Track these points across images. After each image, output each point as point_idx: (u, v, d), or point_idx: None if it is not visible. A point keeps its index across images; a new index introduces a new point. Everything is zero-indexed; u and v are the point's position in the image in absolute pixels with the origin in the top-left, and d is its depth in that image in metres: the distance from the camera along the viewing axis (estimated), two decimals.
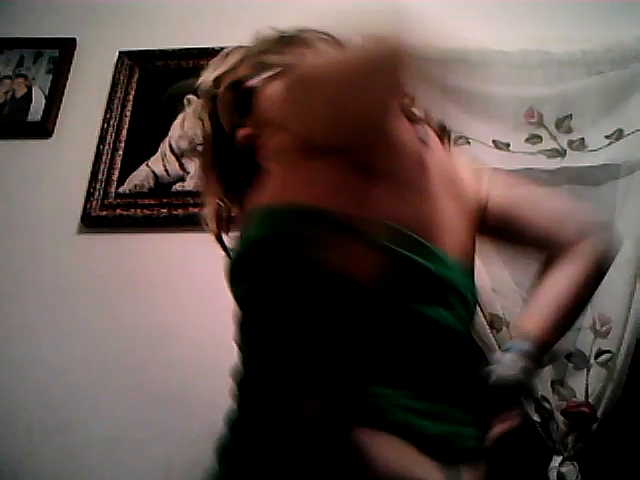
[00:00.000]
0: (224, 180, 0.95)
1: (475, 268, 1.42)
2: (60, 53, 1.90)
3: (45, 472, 1.36)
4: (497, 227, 0.91)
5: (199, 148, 1.05)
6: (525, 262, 1.51)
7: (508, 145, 1.64)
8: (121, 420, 1.40)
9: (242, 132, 0.89)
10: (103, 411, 1.42)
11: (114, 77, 1.84)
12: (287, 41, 0.95)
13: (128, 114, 1.79)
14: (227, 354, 1.43)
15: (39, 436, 1.39)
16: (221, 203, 0.95)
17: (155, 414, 1.41)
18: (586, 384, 1.36)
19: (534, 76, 1.73)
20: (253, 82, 0.88)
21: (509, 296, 1.45)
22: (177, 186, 1.69)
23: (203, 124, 0.95)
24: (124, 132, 1.77)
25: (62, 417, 1.41)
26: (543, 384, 1.37)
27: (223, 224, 0.95)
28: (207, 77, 0.95)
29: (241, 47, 0.97)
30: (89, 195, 1.67)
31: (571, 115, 1.65)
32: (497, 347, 1.40)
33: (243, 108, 0.89)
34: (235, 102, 0.91)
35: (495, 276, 1.46)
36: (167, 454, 1.37)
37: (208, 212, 0.95)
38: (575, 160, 1.60)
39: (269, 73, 0.87)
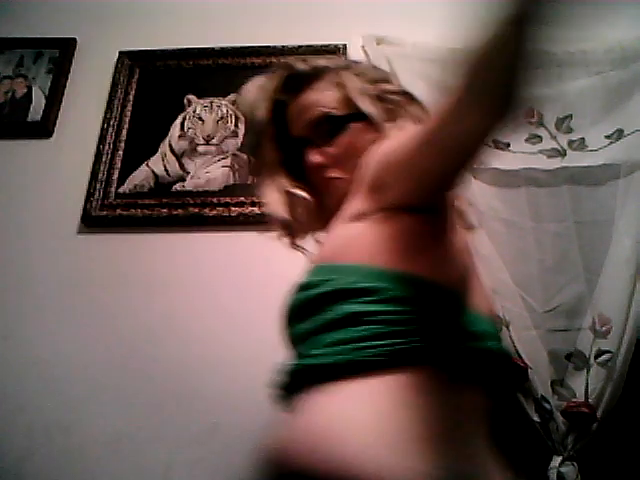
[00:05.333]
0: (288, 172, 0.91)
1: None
2: (60, 53, 1.90)
3: (45, 472, 1.36)
4: None
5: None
6: (525, 262, 1.52)
7: (508, 145, 1.63)
8: (121, 420, 1.40)
9: (316, 158, 0.88)
10: (103, 411, 1.42)
11: (114, 77, 1.84)
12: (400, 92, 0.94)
13: (128, 114, 1.79)
14: (228, 353, 1.44)
15: (39, 436, 1.39)
16: (290, 195, 0.90)
17: (155, 414, 1.41)
18: (586, 384, 1.36)
19: (534, 76, 1.73)
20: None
21: (509, 296, 1.45)
22: (177, 186, 1.69)
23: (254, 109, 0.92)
24: (124, 132, 1.77)
25: (62, 417, 1.41)
26: (543, 384, 1.37)
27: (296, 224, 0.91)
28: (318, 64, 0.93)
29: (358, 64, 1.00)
30: (89, 195, 1.67)
31: (571, 115, 1.65)
32: None
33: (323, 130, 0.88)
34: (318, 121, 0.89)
35: (495, 276, 1.46)
36: (167, 454, 1.37)
37: (276, 207, 0.90)
38: (575, 160, 1.60)
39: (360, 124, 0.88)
